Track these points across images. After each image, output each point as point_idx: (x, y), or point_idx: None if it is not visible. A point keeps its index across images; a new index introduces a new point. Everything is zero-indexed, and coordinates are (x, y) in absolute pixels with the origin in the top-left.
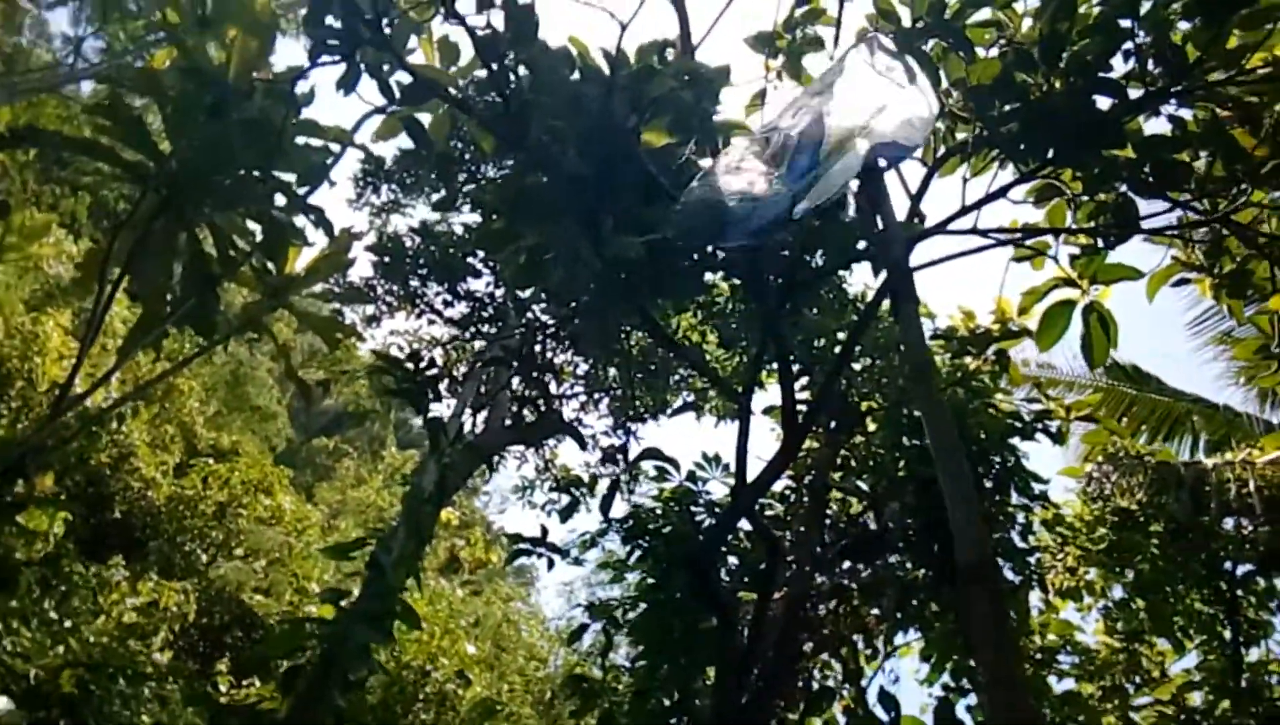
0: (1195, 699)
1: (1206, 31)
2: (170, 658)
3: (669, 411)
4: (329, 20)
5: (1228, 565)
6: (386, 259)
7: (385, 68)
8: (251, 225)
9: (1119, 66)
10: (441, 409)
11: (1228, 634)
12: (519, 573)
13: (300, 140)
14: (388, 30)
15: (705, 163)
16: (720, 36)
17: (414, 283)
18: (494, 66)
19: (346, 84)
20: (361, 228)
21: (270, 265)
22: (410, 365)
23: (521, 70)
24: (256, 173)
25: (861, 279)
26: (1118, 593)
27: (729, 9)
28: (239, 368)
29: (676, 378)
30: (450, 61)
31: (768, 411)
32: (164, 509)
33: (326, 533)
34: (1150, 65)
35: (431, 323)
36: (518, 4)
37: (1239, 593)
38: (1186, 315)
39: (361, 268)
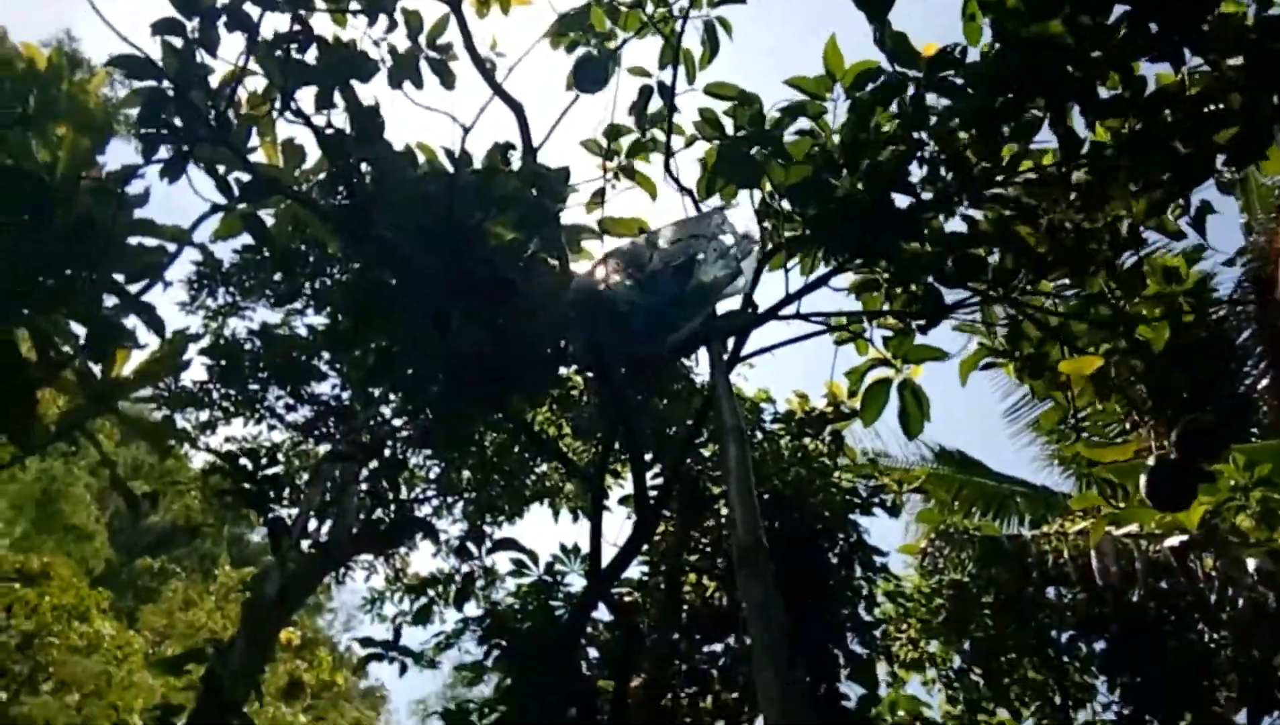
0: None
1: (984, 142)
2: None
3: (524, 507)
4: (164, 118)
5: (1053, 633)
6: (223, 362)
7: (223, 166)
8: (76, 328)
9: (916, 172)
10: (284, 515)
11: (1058, 699)
12: (368, 694)
13: (133, 240)
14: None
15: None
16: (557, 142)
17: (253, 387)
18: (338, 164)
19: (172, 172)
20: (197, 332)
21: (95, 369)
22: (249, 465)
23: (366, 168)
24: (83, 273)
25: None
26: (958, 662)
27: (566, 115)
28: (52, 484)
29: (533, 477)
30: (295, 164)
31: (623, 501)
32: None
33: (151, 660)
34: (942, 171)
35: (272, 428)
36: (361, 104)
37: (1064, 658)
38: (1003, 404)
39: (196, 373)
